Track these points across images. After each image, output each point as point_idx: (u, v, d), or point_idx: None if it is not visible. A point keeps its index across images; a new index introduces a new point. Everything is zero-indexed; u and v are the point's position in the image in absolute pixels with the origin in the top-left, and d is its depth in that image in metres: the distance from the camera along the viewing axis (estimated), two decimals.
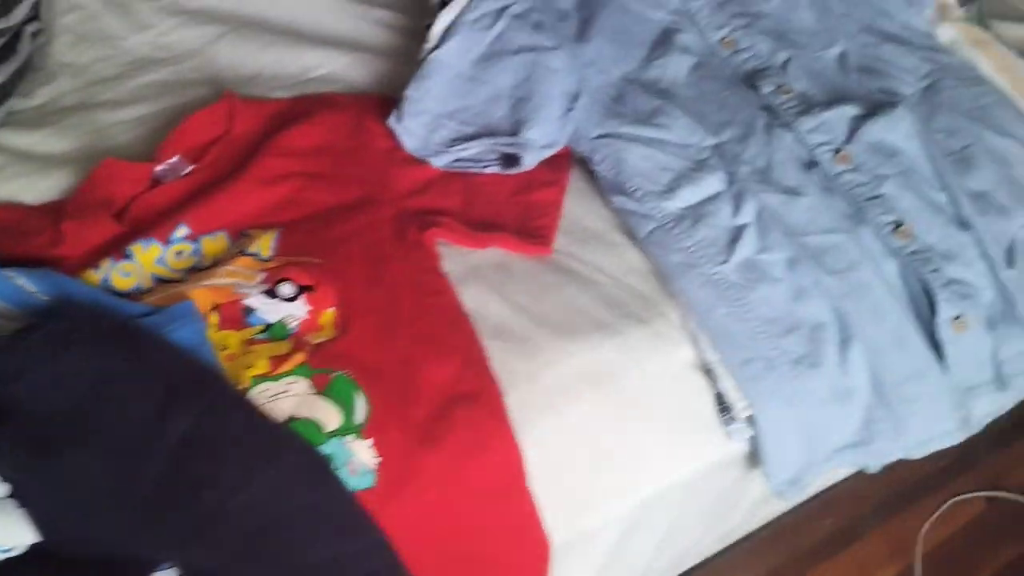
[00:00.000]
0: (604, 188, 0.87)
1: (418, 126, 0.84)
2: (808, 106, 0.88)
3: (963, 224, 0.83)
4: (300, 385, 0.68)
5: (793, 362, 0.74)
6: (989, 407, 0.81)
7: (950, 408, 0.79)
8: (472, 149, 0.84)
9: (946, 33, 0.95)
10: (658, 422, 0.77)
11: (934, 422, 0.79)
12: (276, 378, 0.68)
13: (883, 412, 0.76)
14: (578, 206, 0.87)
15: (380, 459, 0.66)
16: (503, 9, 0.89)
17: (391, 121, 0.85)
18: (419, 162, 0.86)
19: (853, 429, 0.77)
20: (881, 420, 0.76)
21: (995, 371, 0.80)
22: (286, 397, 0.67)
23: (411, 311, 0.76)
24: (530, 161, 0.83)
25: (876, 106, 0.88)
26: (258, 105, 0.90)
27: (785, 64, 0.91)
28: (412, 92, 0.85)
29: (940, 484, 1.18)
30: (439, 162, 0.84)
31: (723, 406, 0.76)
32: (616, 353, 0.75)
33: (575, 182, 0.89)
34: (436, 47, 0.89)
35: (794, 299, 0.76)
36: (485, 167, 0.85)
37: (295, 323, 0.72)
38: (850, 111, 0.88)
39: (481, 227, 0.83)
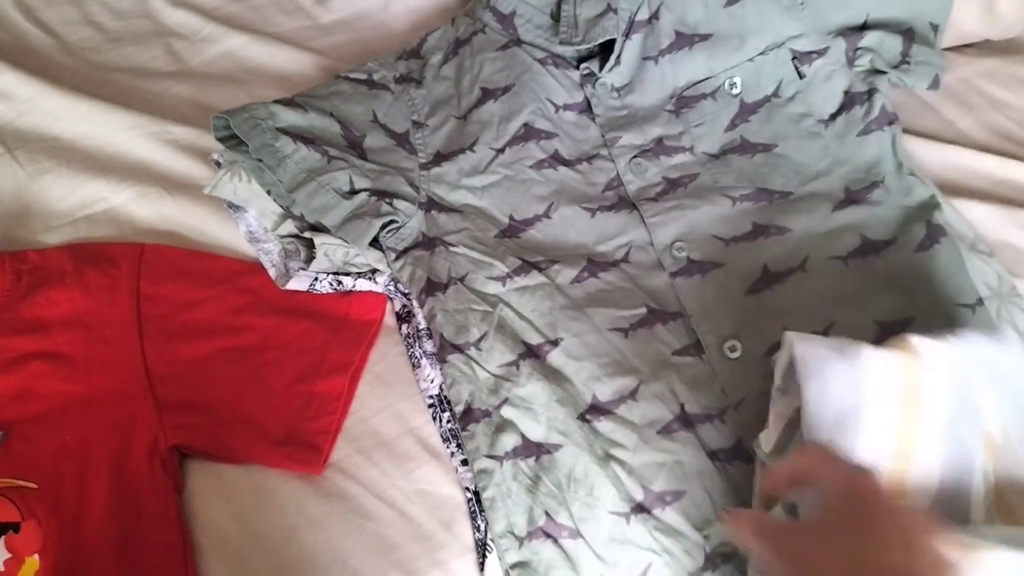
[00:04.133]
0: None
1: None
2: None
3: None
4: None
5: None
6: None
7: None
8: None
9: None
10: None
11: None
12: None
13: None
14: (376, 397, 0.73)
15: None
16: None
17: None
18: (185, 336, 0.72)
19: None
20: None
21: None
22: None
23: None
24: None
25: None
26: (10, 260, 0.76)
27: None
28: None
29: None
30: None
31: None
32: None
33: (381, 358, 0.74)
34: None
35: None
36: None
37: None
38: None
39: (243, 432, 0.69)
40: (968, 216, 0.77)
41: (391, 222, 0.75)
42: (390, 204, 0.75)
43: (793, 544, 0.49)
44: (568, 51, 0.81)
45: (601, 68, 0.79)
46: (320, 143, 0.76)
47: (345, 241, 0.74)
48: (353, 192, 0.75)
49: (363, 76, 0.81)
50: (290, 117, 0.76)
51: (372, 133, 0.79)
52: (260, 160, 0.74)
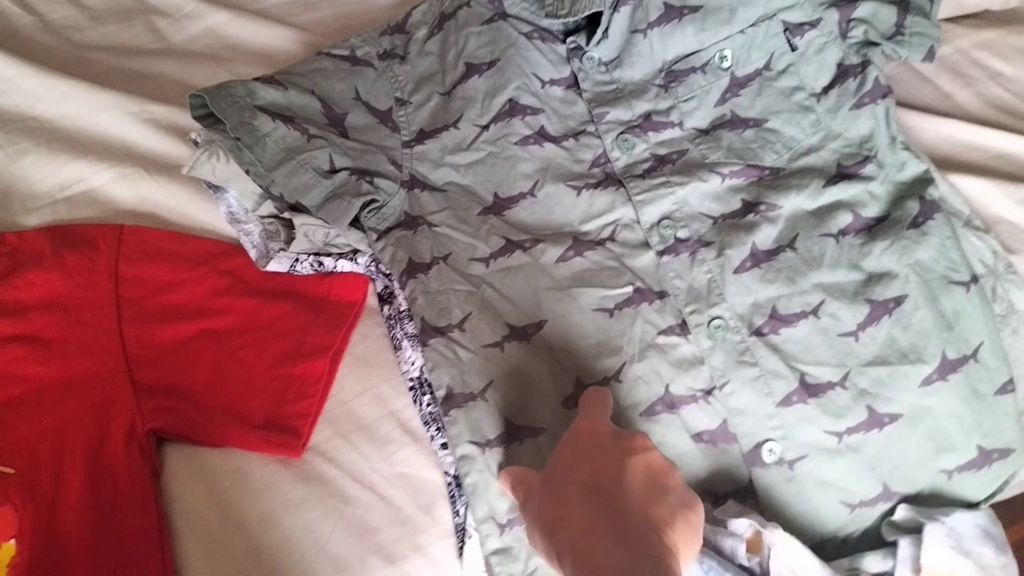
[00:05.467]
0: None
1: None
2: None
3: None
4: None
5: None
6: None
7: None
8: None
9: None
10: None
11: None
12: None
13: None
14: (356, 380, 0.71)
15: None
16: None
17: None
18: (164, 319, 0.71)
19: None
20: None
21: None
22: None
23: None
24: None
25: None
26: None
27: None
28: None
29: None
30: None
31: None
32: None
33: (362, 340, 0.73)
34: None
35: None
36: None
37: None
38: None
39: (221, 416, 0.68)
40: (964, 191, 0.75)
41: (372, 201, 0.74)
42: (371, 183, 0.74)
43: (536, 483, 0.56)
44: (554, 24, 0.79)
45: (588, 42, 0.77)
46: (300, 121, 0.74)
47: (325, 221, 0.73)
48: (333, 171, 0.73)
49: (346, 52, 0.80)
50: (269, 95, 0.74)
51: (354, 111, 0.77)
52: (238, 139, 0.72)
